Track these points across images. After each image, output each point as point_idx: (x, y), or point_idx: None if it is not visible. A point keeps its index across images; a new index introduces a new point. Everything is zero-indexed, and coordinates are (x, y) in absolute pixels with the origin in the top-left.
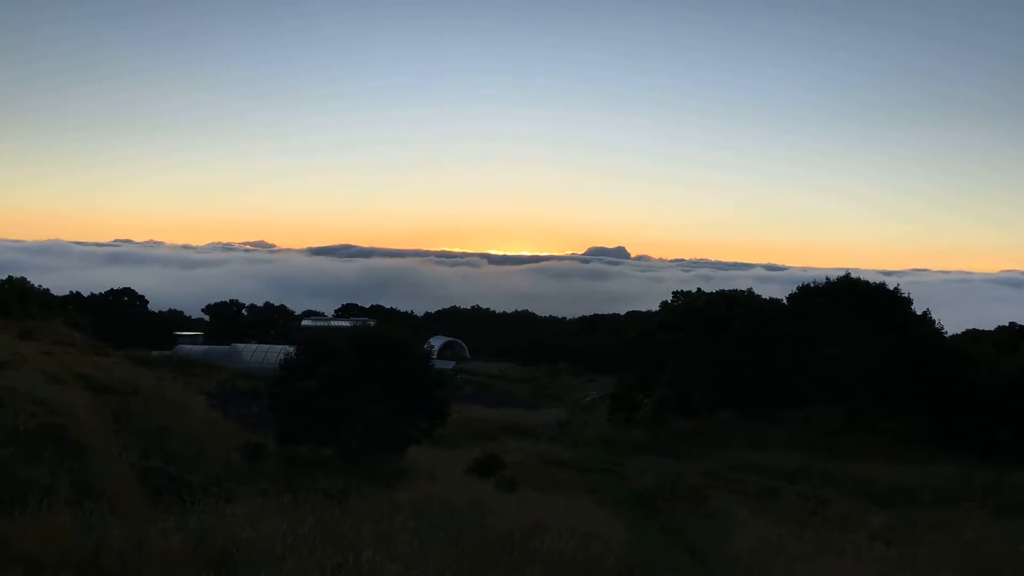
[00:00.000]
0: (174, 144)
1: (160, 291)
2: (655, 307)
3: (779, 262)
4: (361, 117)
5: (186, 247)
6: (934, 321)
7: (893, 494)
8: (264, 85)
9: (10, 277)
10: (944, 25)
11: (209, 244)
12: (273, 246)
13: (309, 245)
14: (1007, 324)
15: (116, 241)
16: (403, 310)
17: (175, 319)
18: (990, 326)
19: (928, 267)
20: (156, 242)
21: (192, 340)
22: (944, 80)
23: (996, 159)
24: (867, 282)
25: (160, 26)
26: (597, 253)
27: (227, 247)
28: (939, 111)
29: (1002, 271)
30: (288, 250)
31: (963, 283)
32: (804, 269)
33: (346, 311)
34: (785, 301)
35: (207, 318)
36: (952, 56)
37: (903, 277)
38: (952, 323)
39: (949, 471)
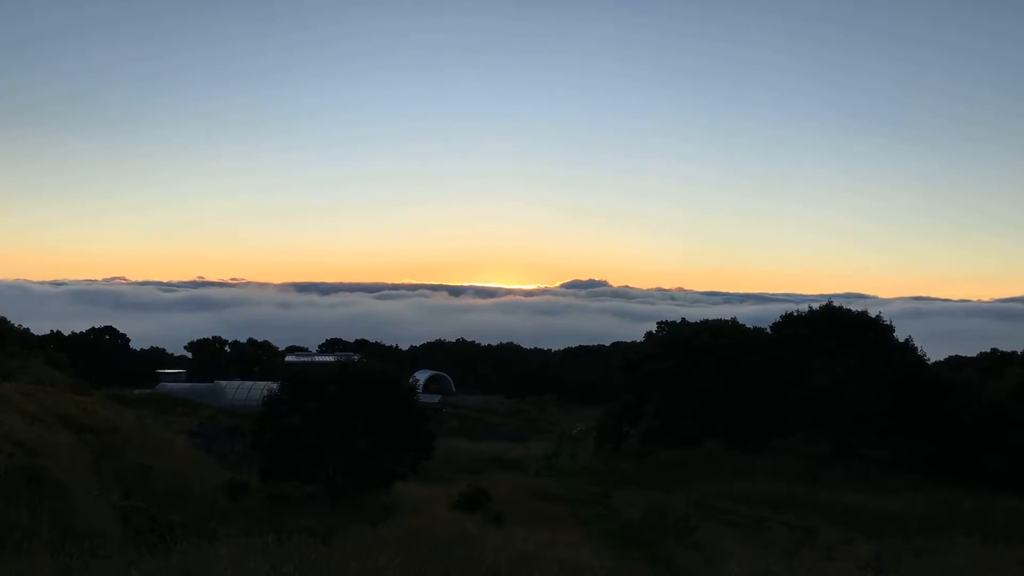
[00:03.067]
0: (126, 182)
1: (136, 329)
2: (639, 338)
3: (764, 290)
4: (322, 153)
5: (146, 283)
6: (917, 348)
7: (880, 522)
8: (221, 119)
9: None
10: (934, 54)
11: (177, 281)
12: (240, 281)
13: (269, 281)
14: (989, 350)
15: (71, 280)
16: (388, 344)
17: (157, 357)
18: (972, 352)
19: (911, 294)
20: (119, 278)
21: (175, 378)
22: (921, 109)
23: (981, 188)
24: (849, 310)
25: (129, 63)
26: (575, 286)
27: (193, 284)
28: (922, 139)
29: (984, 300)
30: (257, 284)
31: (946, 311)
32: (786, 295)
33: (330, 346)
34: (769, 330)
35: (190, 355)
36: (937, 85)
37: (886, 306)
38: (934, 350)
39: (936, 498)
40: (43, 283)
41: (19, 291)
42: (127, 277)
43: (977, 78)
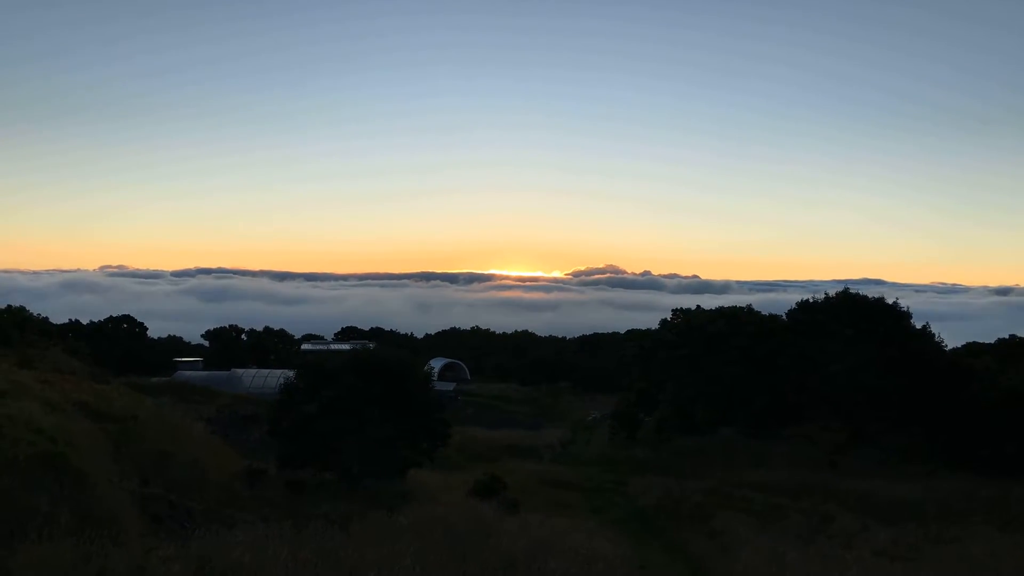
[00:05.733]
0: (111, 174)
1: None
2: (654, 325)
3: (781, 278)
4: (316, 145)
5: (145, 272)
6: (934, 335)
7: (897, 510)
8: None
9: (9, 306)
10: (947, 39)
11: (172, 271)
12: (239, 269)
13: (263, 269)
14: (1007, 337)
15: (62, 269)
16: (403, 332)
17: (175, 345)
18: (990, 339)
19: (928, 281)
20: (118, 267)
21: (192, 366)
22: (941, 92)
23: (997, 175)
24: (866, 297)
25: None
26: (588, 273)
27: (183, 274)
28: (941, 122)
29: (1003, 285)
30: (253, 274)
31: (964, 297)
32: (804, 282)
33: (346, 334)
34: (785, 317)
35: (207, 344)
36: (959, 67)
37: (903, 293)
38: (952, 336)
39: (953, 486)
40: (30, 273)
41: (10, 281)
42: (127, 266)
43: (994, 64)
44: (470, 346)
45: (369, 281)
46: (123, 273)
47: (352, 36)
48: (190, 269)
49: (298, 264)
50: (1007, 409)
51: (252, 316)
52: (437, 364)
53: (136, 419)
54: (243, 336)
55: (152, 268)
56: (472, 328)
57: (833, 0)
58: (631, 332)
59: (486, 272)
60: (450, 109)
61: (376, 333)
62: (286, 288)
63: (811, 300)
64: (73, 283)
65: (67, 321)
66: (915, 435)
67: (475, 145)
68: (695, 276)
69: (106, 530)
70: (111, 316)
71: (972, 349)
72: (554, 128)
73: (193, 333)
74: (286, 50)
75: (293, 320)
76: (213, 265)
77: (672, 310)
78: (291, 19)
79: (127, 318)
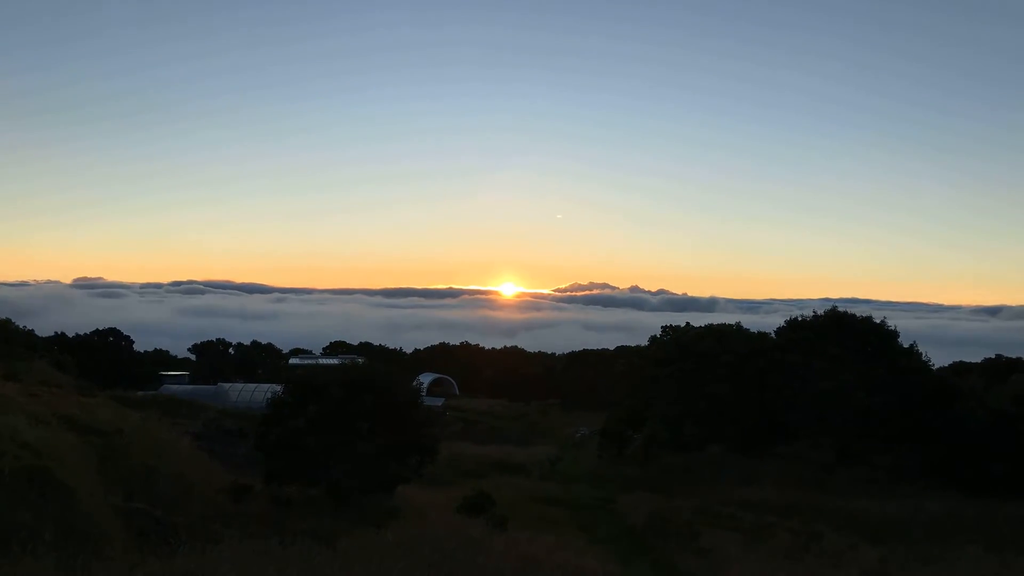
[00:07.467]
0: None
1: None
2: (643, 342)
3: (769, 296)
4: (281, 149)
5: (121, 285)
6: (921, 354)
7: (885, 529)
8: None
9: None
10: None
11: (146, 283)
12: (215, 281)
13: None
14: (993, 356)
15: (38, 281)
16: (392, 347)
17: (161, 359)
18: (977, 358)
19: (915, 300)
20: (95, 279)
21: (178, 380)
22: (929, 114)
23: (985, 193)
24: (854, 315)
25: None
26: (575, 289)
27: (156, 287)
28: (928, 144)
29: (988, 305)
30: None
31: (950, 316)
32: (792, 301)
33: (334, 349)
34: (773, 335)
35: (193, 357)
36: (941, 85)
37: (890, 312)
38: (938, 356)
39: (940, 505)
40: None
41: None
42: (103, 278)
43: (982, 81)
44: (459, 362)
45: (343, 296)
46: (99, 284)
47: (329, 50)
48: (162, 282)
49: (272, 278)
50: (994, 429)
51: (233, 330)
52: (426, 379)
53: (122, 433)
54: (230, 350)
55: (125, 280)
56: (461, 343)
57: (822, 22)
58: (620, 349)
59: (473, 288)
60: (435, 122)
61: (365, 348)
62: (266, 302)
63: (799, 318)
64: (51, 295)
65: (53, 334)
66: (903, 454)
67: (460, 159)
68: (684, 293)
69: (90, 545)
70: (97, 329)
71: (959, 368)
72: (542, 143)
73: (177, 347)
74: (262, 63)
75: (273, 334)
76: (184, 278)
77: (661, 327)
78: (263, 33)
79: (113, 331)
